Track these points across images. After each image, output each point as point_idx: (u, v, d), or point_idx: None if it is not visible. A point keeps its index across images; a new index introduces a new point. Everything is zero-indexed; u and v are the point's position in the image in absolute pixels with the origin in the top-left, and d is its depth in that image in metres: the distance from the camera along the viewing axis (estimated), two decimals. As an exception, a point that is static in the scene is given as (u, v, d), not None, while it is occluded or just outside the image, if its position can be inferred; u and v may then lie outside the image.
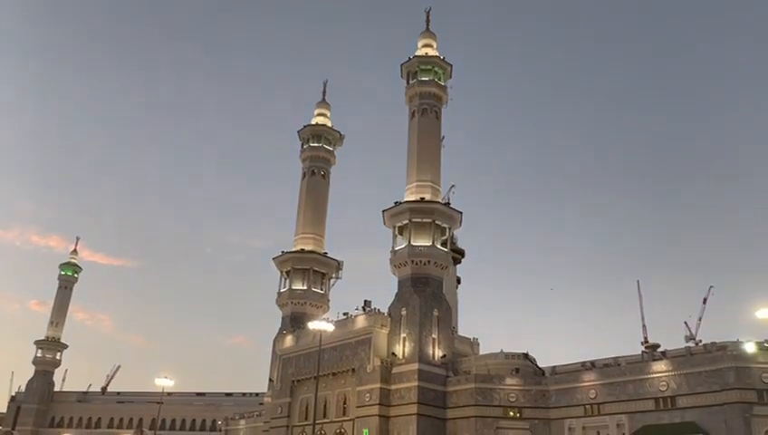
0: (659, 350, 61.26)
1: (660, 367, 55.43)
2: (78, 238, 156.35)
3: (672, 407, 53.69)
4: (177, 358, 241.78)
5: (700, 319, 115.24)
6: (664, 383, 54.57)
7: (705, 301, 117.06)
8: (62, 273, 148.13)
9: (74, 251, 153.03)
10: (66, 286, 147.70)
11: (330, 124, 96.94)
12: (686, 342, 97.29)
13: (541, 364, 65.69)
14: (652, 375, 55.44)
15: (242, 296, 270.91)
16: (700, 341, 79.65)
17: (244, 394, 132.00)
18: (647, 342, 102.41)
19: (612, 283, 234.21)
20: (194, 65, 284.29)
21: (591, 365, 60.81)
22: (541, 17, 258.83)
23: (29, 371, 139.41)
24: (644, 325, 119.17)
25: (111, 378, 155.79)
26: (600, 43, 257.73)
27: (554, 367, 63.55)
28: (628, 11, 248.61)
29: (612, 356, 60.67)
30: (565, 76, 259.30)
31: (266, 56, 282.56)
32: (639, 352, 62.96)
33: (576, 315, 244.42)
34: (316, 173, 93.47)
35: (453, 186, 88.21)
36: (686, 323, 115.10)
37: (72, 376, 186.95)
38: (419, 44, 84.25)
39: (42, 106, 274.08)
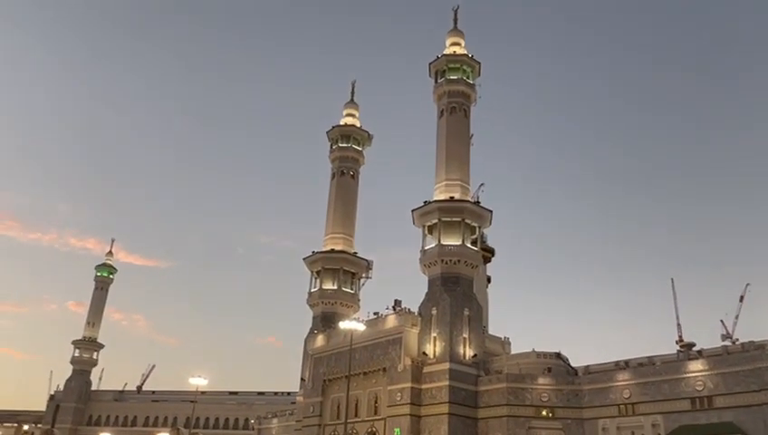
0: (695, 349, 60.31)
1: (696, 366, 54.54)
2: (113, 240, 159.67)
3: (709, 407, 52.80)
4: (210, 357, 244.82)
5: (737, 317, 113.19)
6: (700, 383, 53.66)
7: (741, 299, 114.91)
8: (98, 274, 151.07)
9: (110, 253, 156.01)
10: (102, 287, 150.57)
11: (358, 124, 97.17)
12: (723, 340, 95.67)
13: (573, 364, 65.06)
14: (688, 375, 54.59)
15: (273, 296, 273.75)
16: (737, 339, 78.29)
17: (276, 393, 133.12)
18: (682, 340, 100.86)
19: (646, 281, 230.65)
20: (225, 69, 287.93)
21: (625, 365, 60.05)
22: (570, 11, 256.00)
23: (67, 370, 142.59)
24: (679, 324, 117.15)
25: (147, 377, 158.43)
26: (631, 35, 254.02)
27: (587, 366, 62.93)
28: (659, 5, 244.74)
29: (647, 355, 59.87)
30: (596, 71, 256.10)
31: (295, 57, 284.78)
32: (674, 352, 62.08)
33: (609, 314, 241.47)
34: (345, 173, 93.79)
35: (482, 184, 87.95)
36: (722, 321, 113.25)
37: (109, 375, 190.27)
38: (447, 43, 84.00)
39: (78, 110, 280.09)
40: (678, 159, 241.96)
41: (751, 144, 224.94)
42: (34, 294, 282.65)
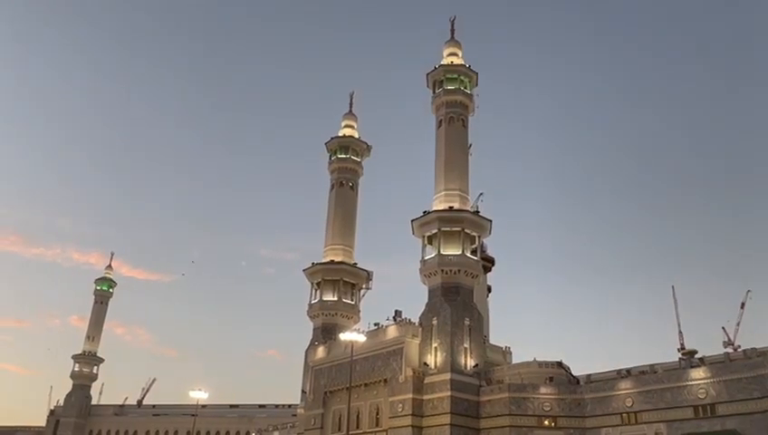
0: (697, 356, 60.12)
1: (698, 374, 54.43)
2: (113, 254, 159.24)
3: (712, 415, 52.63)
4: (210, 371, 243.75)
5: (738, 324, 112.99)
6: (703, 391, 53.48)
7: (743, 305, 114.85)
8: (98, 288, 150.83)
9: (109, 266, 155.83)
10: (101, 301, 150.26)
11: (357, 135, 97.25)
12: (725, 348, 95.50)
13: (575, 372, 64.86)
14: (690, 382, 54.45)
15: (274, 308, 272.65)
16: (739, 346, 78.07)
17: (277, 406, 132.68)
18: (683, 348, 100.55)
19: (647, 289, 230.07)
20: (223, 81, 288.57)
21: (627, 373, 59.90)
22: (568, 20, 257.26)
23: (68, 385, 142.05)
24: (680, 331, 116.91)
25: (147, 391, 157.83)
26: (631, 42, 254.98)
27: (589, 375, 62.79)
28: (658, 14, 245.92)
29: (648, 363, 59.72)
30: (597, 78, 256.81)
31: (294, 70, 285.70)
32: (676, 359, 61.89)
33: (610, 322, 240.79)
34: (344, 184, 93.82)
35: (481, 193, 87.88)
36: (723, 328, 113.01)
37: (109, 389, 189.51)
38: (445, 53, 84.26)
39: (79, 124, 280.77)
40: (680, 167, 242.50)
41: (755, 149, 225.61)
42: (37, 310, 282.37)
